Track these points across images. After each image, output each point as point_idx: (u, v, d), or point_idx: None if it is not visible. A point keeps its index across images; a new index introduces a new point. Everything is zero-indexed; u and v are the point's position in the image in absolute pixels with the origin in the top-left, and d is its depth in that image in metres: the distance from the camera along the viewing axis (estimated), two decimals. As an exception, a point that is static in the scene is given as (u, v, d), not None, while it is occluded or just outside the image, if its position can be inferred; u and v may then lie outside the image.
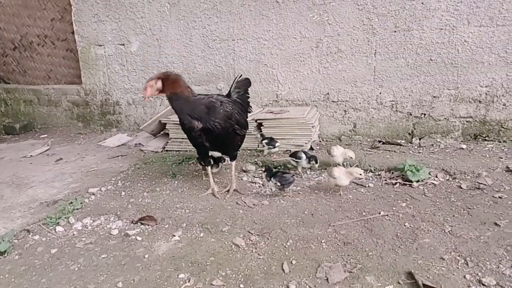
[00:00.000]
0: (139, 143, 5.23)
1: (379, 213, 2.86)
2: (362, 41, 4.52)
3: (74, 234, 3.04)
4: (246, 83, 3.90)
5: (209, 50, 5.21)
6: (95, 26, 5.73)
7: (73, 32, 5.96)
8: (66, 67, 6.47)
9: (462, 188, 3.17)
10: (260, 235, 2.74)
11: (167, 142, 4.94)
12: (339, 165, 3.62)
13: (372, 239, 2.55)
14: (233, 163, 3.61)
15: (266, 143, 4.21)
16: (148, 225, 3.04)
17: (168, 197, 3.52)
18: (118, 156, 4.83)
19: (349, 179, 3.17)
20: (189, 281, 2.33)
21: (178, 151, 4.78)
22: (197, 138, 3.26)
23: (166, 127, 4.96)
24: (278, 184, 3.25)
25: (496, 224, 2.58)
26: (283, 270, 2.34)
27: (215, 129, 3.21)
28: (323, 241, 2.60)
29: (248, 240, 2.70)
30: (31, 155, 5.12)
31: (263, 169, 3.66)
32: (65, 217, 3.27)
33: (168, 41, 5.37)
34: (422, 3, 4.20)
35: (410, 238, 2.53)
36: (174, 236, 2.83)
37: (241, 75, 3.93)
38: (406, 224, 2.69)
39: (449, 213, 2.79)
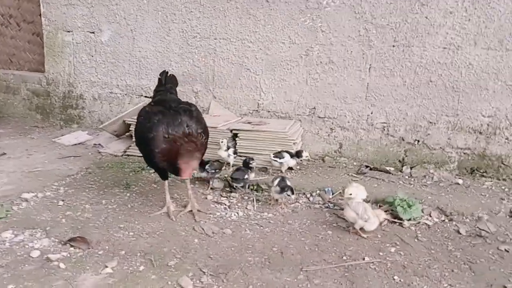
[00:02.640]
0: (99, 144, 4.62)
1: (363, 259, 2.34)
2: (357, 54, 4.06)
3: (-15, 252, 2.42)
4: (174, 80, 3.44)
5: (188, 48, 4.68)
6: (64, 10, 5.13)
7: (40, 15, 5.35)
8: (31, 52, 5.82)
9: (460, 233, 2.69)
10: (214, 276, 2.19)
11: (130, 146, 4.35)
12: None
13: (352, 295, 2.03)
14: (187, 180, 2.97)
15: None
16: (78, 248, 2.45)
17: (113, 212, 2.93)
18: (71, 157, 4.21)
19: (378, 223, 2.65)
20: (109, 337, 1.77)
21: (140, 156, 4.17)
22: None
23: (131, 129, 4.38)
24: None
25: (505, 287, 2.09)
26: (235, 331, 1.80)
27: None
28: (291, 291, 2.06)
29: (198, 281, 2.14)
30: (-29, 147, 4.46)
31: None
32: (-19, 228, 2.66)
33: (143, 33, 4.82)
34: (426, 18, 3.77)
35: (400, 298, 2.02)
36: (107, 267, 2.25)
37: (165, 70, 3.46)
38: (396, 277, 2.18)
39: (447, 267, 2.29)
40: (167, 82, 3.31)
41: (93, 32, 5.06)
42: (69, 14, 5.12)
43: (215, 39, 4.55)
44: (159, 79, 3.38)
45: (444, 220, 2.91)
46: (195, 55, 4.68)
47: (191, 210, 2.93)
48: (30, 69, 5.84)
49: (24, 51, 5.85)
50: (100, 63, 5.11)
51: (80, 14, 5.06)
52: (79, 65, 5.24)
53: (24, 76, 5.68)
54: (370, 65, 4.04)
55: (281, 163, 3.65)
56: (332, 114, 4.28)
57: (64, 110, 5.45)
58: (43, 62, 5.54)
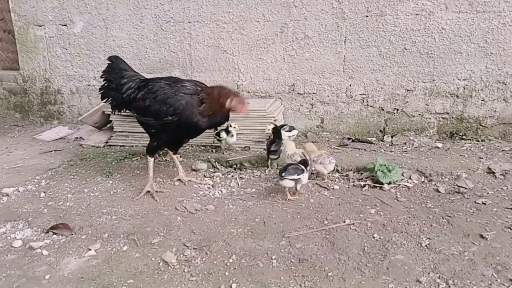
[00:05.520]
0: (80, 137, 4.57)
1: (344, 222, 2.37)
2: (331, 27, 4.05)
3: (-33, 247, 2.40)
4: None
5: (163, 34, 4.62)
6: (33, 3, 5.01)
7: (10, 11, 5.23)
8: (4, 50, 5.69)
9: (439, 192, 2.74)
10: (198, 249, 2.20)
11: (111, 136, 4.32)
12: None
13: (333, 255, 2.06)
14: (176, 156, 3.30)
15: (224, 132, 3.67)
16: (61, 235, 2.45)
17: (95, 199, 2.92)
18: (52, 151, 4.17)
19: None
20: (93, 313, 1.78)
21: (122, 146, 4.17)
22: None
23: (111, 119, 4.34)
24: None
25: (482, 236, 2.14)
26: (219, 297, 1.82)
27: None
28: (273, 257, 2.09)
29: (182, 255, 2.16)
30: (-52, 149, 4.37)
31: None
32: (-38, 224, 2.63)
33: (116, 22, 4.74)
34: (397, -15, 3.78)
35: (380, 253, 2.05)
36: (90, 250, 2.25)
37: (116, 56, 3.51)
38: (375, 235, 2.22)
39: (426, 222, 2.34)
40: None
41: (65, 25, 4.96)
42: (39, 7, 5.00)
43: (189, 22, 4.49)
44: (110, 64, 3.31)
45: (423, 182, 2.95)
46: (170, 41, 4.62)
47: (180, 179, 3.15)
48: (5, 67, 5.72)
49: (-4, 50, 5.73)
50: (75, 55, 5.03)
51: (50, 7, 4.95)
52: (54, 60, 5.14)
53: (-1, 75, 5.57)
54: (345, 37, 4.04)
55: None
56: (311, 89, 4.28)
57: (43, 106, 5.36)
58: (18, 60, 5.43)
